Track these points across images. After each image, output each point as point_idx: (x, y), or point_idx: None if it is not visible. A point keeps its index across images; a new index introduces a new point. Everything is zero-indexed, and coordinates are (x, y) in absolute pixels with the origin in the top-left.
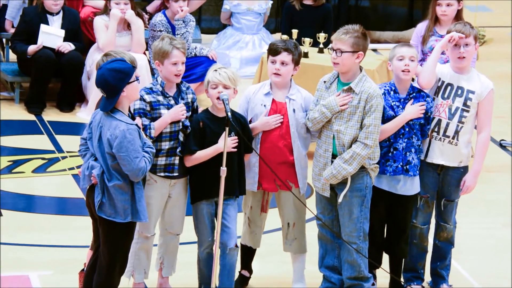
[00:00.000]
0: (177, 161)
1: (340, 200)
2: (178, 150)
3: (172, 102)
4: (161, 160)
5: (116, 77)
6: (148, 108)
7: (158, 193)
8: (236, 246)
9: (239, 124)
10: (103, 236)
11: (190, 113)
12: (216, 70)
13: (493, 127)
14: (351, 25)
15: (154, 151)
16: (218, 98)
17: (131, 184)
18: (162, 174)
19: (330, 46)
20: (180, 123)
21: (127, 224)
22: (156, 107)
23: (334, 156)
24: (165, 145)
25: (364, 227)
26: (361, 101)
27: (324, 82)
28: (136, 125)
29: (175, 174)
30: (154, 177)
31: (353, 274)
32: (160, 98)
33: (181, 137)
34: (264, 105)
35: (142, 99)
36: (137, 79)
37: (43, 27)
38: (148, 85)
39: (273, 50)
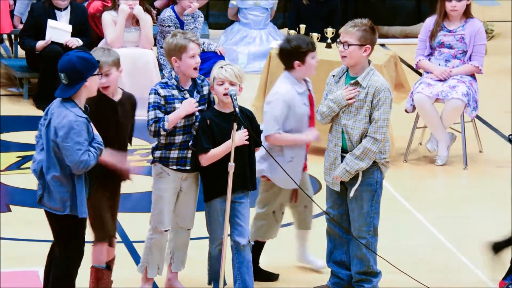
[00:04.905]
0: (189, 155)
1: (351, 194)
2: (190, 143)
3: (187, 96)
4: (174, 153)
5: (84, 65)
6: (162, 102)
7: (170, 186)
8: (249, 242)
9: (246, 119)
10: (51, 229)
11: (206, 106)
12: (222, 67)
13: (501, 121)
14: (360, 19)
15: (103, 148)
16: (225, 94)
17: (71, 177)
18: (174, 167)
19: (338, 39)
20: (194, 117)
21: (69, 216)
22: (171, 101)
23: (344, 150)
24: (178, 138)
25: (374, 222)
26: (369, 95)
27: (333, 76)
28: (87, 118)
29: (187, 167)
30: (166, 170)
31: (362, 269)
32: (175, 92)
33: (194, 131)
34: (304, 103)
35: (157, 93)
36: (100, 74)
37: (50, 22)
38: (163, 80)
39: (314, 46)
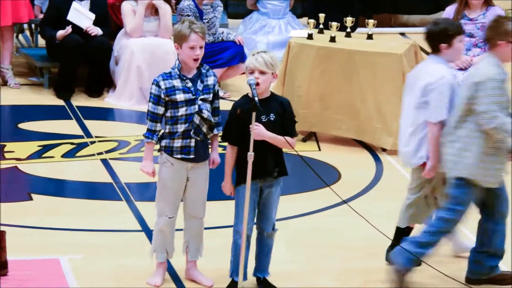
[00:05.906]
0: (192, 144)
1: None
2: (192, 132)
3: (190, 84)
4: (177, 142)
5: None
6: (162, 96)
7: (175, 175)
8: (273, 230)
9: (281, 108)
10: None
11: (211, 95)
12: (254, 55)
13: None
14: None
15: None
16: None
17: None
18: (179, 156)
19: None
20: (196, 106)
21: None
22: (171, 92)
23: None
24: (181, 127)
25: None
26: None
27: (497, 80)
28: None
29: (191, 156)
30: (170, 159)
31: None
32: (176, 82)
33: (196, 120)
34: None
35: (158, 85)
36: None
37: (75, 4)
38: (167, 70)
39: (462, 29)
